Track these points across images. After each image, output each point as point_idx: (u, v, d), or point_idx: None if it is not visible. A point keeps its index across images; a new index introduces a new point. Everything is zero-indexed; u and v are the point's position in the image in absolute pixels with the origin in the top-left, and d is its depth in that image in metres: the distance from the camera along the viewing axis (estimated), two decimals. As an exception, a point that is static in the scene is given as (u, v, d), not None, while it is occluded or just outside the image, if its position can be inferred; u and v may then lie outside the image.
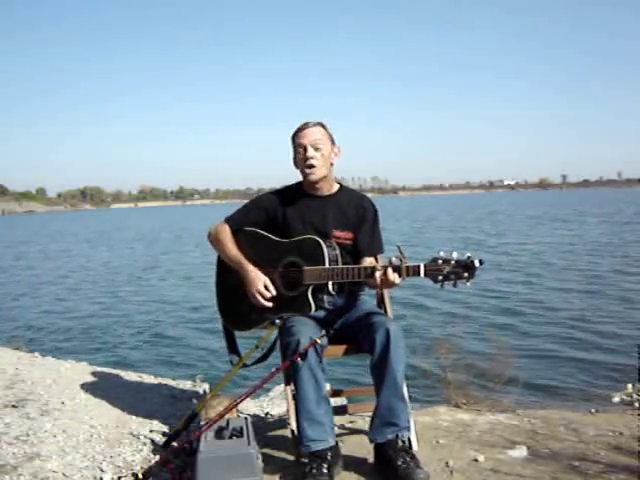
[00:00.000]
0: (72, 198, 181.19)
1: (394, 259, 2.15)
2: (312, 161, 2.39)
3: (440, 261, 2.08)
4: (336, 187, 2.54)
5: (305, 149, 2.40)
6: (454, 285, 2.07)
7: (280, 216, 2.48)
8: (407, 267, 2.13)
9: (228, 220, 2.54)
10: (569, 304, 9.84)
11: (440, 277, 2.07)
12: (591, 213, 38.31)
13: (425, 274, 2.10)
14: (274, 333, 2.43)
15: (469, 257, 2.06)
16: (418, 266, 2.11)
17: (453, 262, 2.06)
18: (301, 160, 2.42)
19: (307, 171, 2.41)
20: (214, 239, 2.54)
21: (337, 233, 2.44)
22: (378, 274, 2.16)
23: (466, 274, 2.05)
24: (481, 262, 2.06)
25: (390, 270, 2.14)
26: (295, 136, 2.45)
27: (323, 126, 2.46)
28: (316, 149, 2.40)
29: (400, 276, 2.14)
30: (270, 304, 2.37)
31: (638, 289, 10.70)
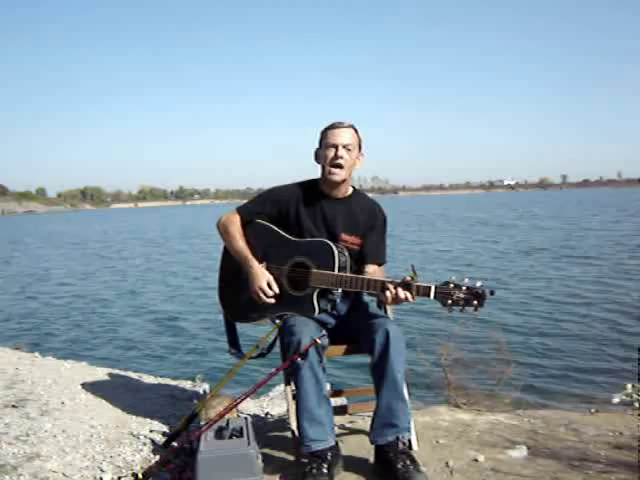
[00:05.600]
0: (72, 198, 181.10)
1: (408, 278, 2.14)
2: (340, 161, 2.36)
3: (452, 285, 2.07)
4: (350, 191, 2.52)
5: (337, 148, 2.37)
6: (461, 311, 2.07)
7: (293, 213, 2.45)
8: (418, 287, 2.12)
9: (240, 210, 2.52)
10: (569, 305, 9.84)
11: (449, 301, 2.06)
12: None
13: (435, 296, 2.09)
14: (274, 332, 2.43)
15: (481, 286, 2.05)
16: (429, 287, 2.10)
17: (464, 288, 2.06)
18: (329, 158, 2.38)
19: (333, 170, 2.38)
20: (223, 229, 2.51)
21: (345, 237, 2.43)
22: (388, 293, 2.15)
23: (475, 302, 2.05)
24: (492, 292, 2.06)
25: (401, 288, 2.13)
26: (328, 133, 2.41)
27: (356, 130, 2.44)
28: (347, 150, 2.38)
29: (411, 295, 2.13)
30: (272, 300, 2.35)
31: (638, 291, 10.70)
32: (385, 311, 2.59)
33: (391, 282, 2.17)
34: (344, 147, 2.37)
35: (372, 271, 2.43)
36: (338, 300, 2.38)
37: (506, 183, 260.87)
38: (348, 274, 2.29)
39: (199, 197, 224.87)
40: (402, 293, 2.13)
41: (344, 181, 2.44)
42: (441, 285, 2.09)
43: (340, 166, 2.37)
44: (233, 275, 2.53)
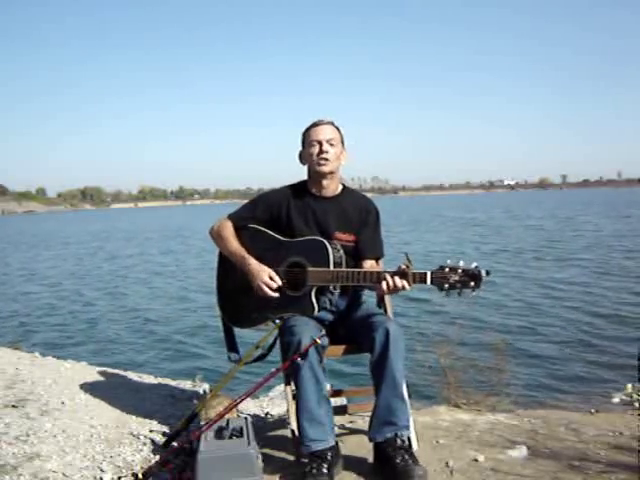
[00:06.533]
0: (72, 198, 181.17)
1: (403, 266, 2.15)
2: (326, 155, 2.39)
3: (447, 269, 2.07)
4: (340, 188, 2.53)
5: (320, 144, 2.40)
6: (459, 294, 2.07)
7: (284, 215, 2.47)
8: (414, 274, 2.12)
9: (231, 217, 2.53)
10: (570, 305, 9.84)
11: (446, 285, 2.07)
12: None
13: (432, 282, 2.09)
14: (274, 333, 2.43)
15: (476, 267, 2.06)
16: (425, 273, 2.10)
17: (460, 271, 2.06)
18: (314, 154, 2.41)
19: (320, 162, 2.40)
20: (216, 235, 2.52)
21: (339, 235, 2.44)
22: (384, 283, 2.15)
23: (472, 283, 2.05)
24: (488, 273, 2.06)
25: (397, 277, 2.14)
26: (310, 131, 2.44)
27: (336, 127, 2.48)
28: (331, 145, 2.41)
29: (408, 283, 2.13)
30: (277, 294, 2.35)
31: (638, 290, 10.71)
32: (385, 310, 2.59)
33: (387, 272, 2.18)
34: (327, 142, 2.40)
35: (370, 266, 2.44)
36: (337, 296, 2.39)
37: (506, 183, 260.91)
38: (344, 269, 2.29)
39: (199, 197, 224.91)
40: (399, 282, 2.13)
41: (332, 175, 2.45)
42: (436, 270, 2.10)
43: (326, 159, 2.40)
44: (230, 280, 2.53)
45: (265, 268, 2.37)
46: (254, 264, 2.38)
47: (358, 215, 2.49)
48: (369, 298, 2.63)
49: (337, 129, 2.47)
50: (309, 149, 2.43)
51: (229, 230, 2.49)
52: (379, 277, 2.18)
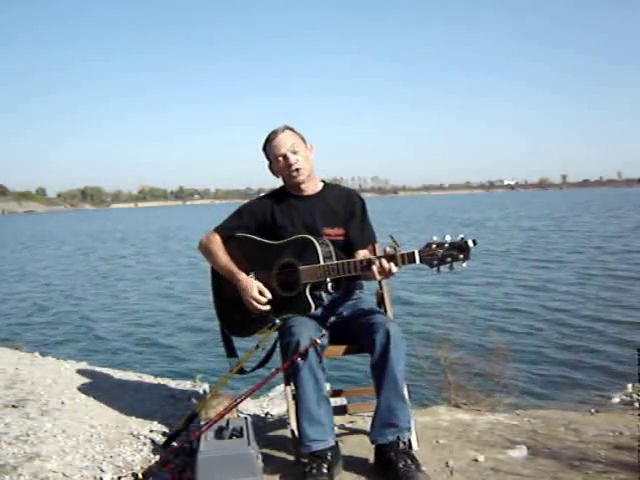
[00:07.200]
0: (72, 198, 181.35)
1: (388, 248, 2.16)
2: (296, 165, 2.41)
3: (434, 245, 2.08)
4: (320, 185, 2.55)
5: (285, 157, 2.41)
6: (450, 268, 2.07)
7: (269, 220, 2.48)
8: (402, 255, 2.13)
9: (218, 229, 2.54)
10: (570, 305, 9.84)
11: (435, 261, 2.07)
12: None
13: (421, 260, 2.10)
14: (274, 334, 2.42)
15: (462, 238, 2.06)
16: (413, 253, 2.11)
17: (447, 245, 2.06)
18: (285, 168, 2.43)
19: (293, 174, 2.42)
20: (204, 249, 2.54)
21: (327, 231, 2.44)
22: (374, 267, 2.15)
23: (461, 255, 2.05)
24: (474, 242, 2.06)
25: (385, 260, 2.14)
26: (270, 147, 2.45)
27: (291, 129, 2.47)
28: (294, 153, 2.41)
29: (396, 265, 2.14)
30: (267, 307, 2.36)
31: (638, 290, 10.71)
32: (385, 310, 2.59)
33: (376, 257, 2.18)
34: (290, 151, 2.41)
35: (363, 255, 2.43)
36: (332, 291, 2.37)
37: (506, 183, 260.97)
38: (334, 262, 2.29)
39: (199, 197, 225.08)
40: (387, 265, 2.13)
41: (308, 177, 2.47)
42: (424, 248, 2.10)
43: (298, 169, 2.41)
44: (227, 289, 2.53)
45: (253, 282, 2.38)
46: (243, 279, 2.40)
47: (343, 208, 2.50)
48: (369, 298, 2.63)
49: (293, 131, 2.47)
50: (277, 164, 2.45)
51: (217, 244, 2.50)
52: (369, 263, 2.18)
